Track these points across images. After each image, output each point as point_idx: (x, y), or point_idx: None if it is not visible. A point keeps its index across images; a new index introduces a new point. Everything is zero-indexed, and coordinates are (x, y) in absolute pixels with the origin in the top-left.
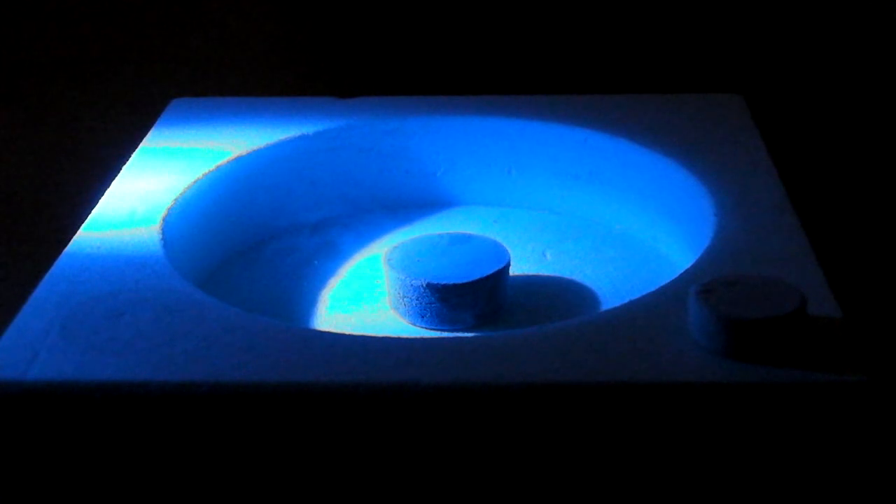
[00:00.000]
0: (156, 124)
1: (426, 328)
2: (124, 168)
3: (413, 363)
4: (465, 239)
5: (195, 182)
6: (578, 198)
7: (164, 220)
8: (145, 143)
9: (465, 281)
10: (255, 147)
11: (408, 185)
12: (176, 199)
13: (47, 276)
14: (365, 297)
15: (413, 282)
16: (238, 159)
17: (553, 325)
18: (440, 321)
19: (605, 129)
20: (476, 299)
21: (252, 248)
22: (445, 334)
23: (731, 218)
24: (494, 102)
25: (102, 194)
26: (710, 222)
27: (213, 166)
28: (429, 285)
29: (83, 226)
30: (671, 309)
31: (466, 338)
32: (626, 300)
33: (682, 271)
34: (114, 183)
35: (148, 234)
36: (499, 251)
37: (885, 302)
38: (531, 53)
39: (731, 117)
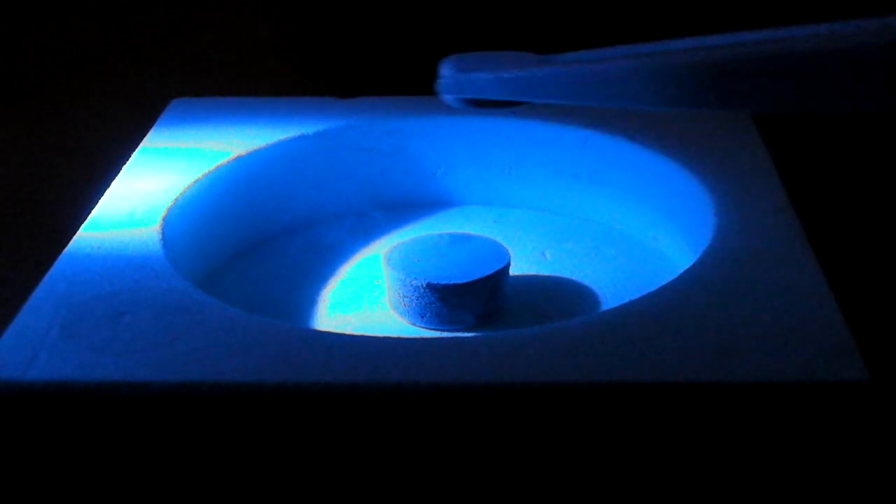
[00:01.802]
0: (156, 124)
1: (426, 328)
2: (124, 168)
3: (413, 363)
4: (465, 239)
5: (195, 182)
6: (578, 198)
7: (164, 220)
8: (145, 143)
9: (465, 281)
10: (255, 147)
11: (408, 185)
12: (176, 199)
13: (47, 276)
14: (365, 297)
15: (413, 282)
16: (238, 159)
17: (553, 325)
18: (440, 321)
19: (605, 129)
20: (476, 299)
21: (252, 248)
22: (445, 334)
23: (731, 218)
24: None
25: (102, 194)
26: (710, 222)
27: (213, 166)
28: (429, 285)
29: (83, 226)
30: (671, 309)
31: (466, 338)
32: (626, 300)
33: (682, 271)
34: (114, 183)
35: (148, 234)
36: (499, 251)
37: (885, 302)
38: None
39: (731, 117)
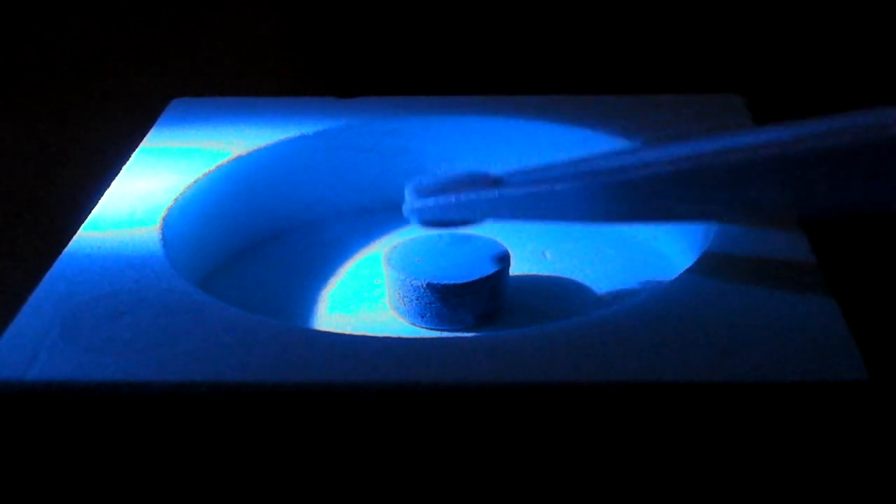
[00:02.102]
0: (156, 124)
1: (426, 328)
2: (124, 168)
3: (413, 363)
4: (465, 239)
5: (195, 182)
6: None
7: (164, 220)
8: (145, 143)
9: (465, 281)
10: (255, 147)
11: None
12: (176, 199)
13: (47, 276)
14: (365, 297)
15: (413, 282)
16: (238, 159)
17: (553, 325)
18: (440, 321)
19: (605, 129)
20: (476, 299)
21: (252, 248)
22: (445, 334)
23: None
24: (494, 102)
25: (102, 194)
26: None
27: (213, 166)
28: (429, 285)
29: (83, 226)
30: (671, 309)
31: (466, 338)
32: (626, 300)
33: (682, 271)
34: (114, 183)
35: (148, 234)
36: (499, 251)
37: (886, 302)
38: (531, 53)
39: (731, 117)
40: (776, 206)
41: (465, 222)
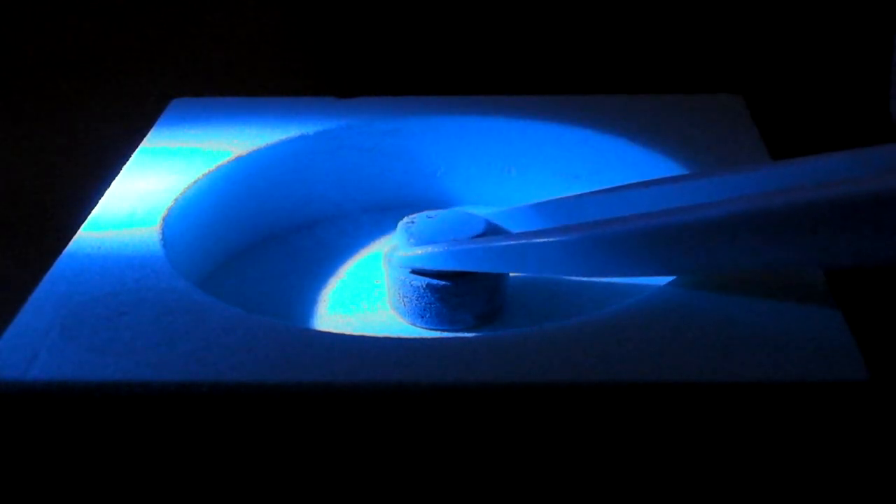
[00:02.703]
0: (156, 124)
1: (426, 328)
2: (124, 168)
3: (413, 363)
4: None
5: (195, 182)
6: None
7: (164, 220)
8: (145, 143)
9: (465, 281)
10: (255, 147)
11: (408, 185)
12: (176, 199)
13: (47, 276)
14: (365, 297)
15: (413, 282)
16: (238, 159)
17: (553, 325)
18: (440, 321)
19: (605, 129)
20: (476, 299)
21: (252, 248)
22: (445, 334)
23: None
24: (494, 102)
25: (102, 194)
26: None
27: (213, 166)
28: (429, 285)
29: (83, 226)
30: (671, 309)
31: (466, 338)
32: (626, 300)
33: None
34: (114, 183)
35: (148, 234)
36: None
37: (886, 302)
38: (531, 53)
39: (731, 117)
40: (768, 262)
41: (452, 271)
